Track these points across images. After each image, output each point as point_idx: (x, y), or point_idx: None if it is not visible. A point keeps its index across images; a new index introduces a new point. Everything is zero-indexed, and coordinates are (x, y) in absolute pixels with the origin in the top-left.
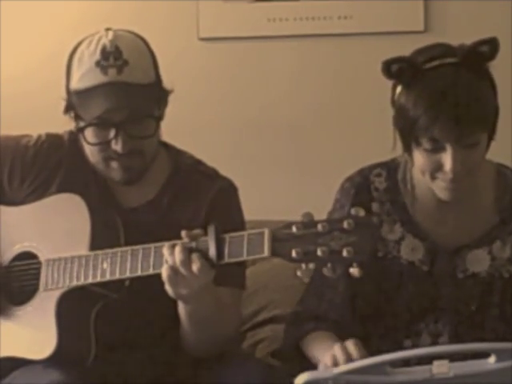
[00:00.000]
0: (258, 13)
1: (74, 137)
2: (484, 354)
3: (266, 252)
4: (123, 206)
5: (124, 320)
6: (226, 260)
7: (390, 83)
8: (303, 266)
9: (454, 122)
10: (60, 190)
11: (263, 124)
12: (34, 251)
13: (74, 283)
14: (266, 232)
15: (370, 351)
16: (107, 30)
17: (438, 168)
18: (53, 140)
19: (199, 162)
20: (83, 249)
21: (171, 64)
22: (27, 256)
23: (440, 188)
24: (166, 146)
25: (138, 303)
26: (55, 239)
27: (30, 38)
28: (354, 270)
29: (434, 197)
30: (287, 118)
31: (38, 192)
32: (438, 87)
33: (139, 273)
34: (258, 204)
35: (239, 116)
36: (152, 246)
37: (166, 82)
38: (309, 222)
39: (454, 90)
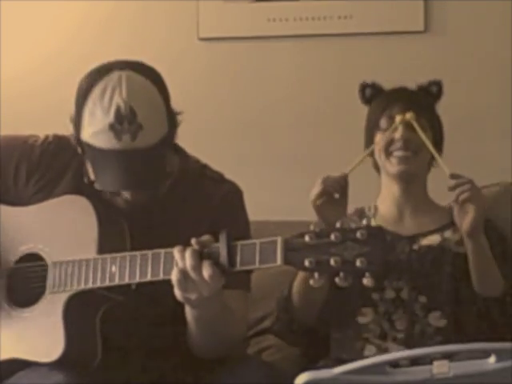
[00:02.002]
0: (258, 13)
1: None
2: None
3: (279, 261)
4: (129, 210)
5: (129, 322)
6: (238, 268)
7: (388, 83)
8: (316, 274)
9: (406, 104)
10: (66, 192)
11: (263, 124)
12: (40, 253)
13: (82, 286)
14: (279, 240)
15: (344, 306)
16: (120, 69)
17: (391, 142)
18: (60, 141)
19: (205, 167)
20: (91, 251)
21: (171, 64)
22: (33, 258)
23: (393, 164)
24: (175, 148)
25: (144, 306)
26: (61, 241)
27: (30, 38)
28: (367, 280)
29: (393, 210)
30: (287, 118)
31: (43, 192)
32: (396, 89)
33: (149, 278)
34: (260, 204)
35: (239, 116)
36: (162, 251)
37: (174, 102)
38: (322, 232)
39: (408, 90)
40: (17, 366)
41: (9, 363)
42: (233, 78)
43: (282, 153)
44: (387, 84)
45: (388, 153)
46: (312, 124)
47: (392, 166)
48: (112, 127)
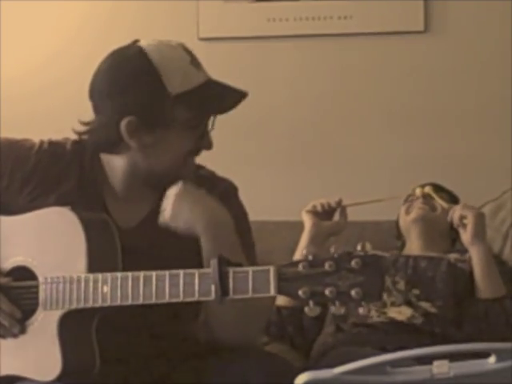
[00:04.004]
0: (258, 13)
1: (77, 147)
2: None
3: (273, 291)
4: (121, 227)
5: (123, 329)
6: (231, 296)
7: (388, 84)
8: (311, 303)
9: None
10: (57, 204)
11: (263, 123)
12: (29, 266)
13: (74, 306)
14: (272, 270)
15: None
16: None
17: (411, 205)
18: (55, 149)
19: (198, 167)
20: (80, 266)
21: None
22: (22, 271)
23: (412, 214)
24: None
25: (136, 310)
26: (50, 255)
27: (30, 38)
28: (363, 310)
29: None
30: (287, 118)
31: (37, 201)
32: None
33: (141, 301)
34: (259, 204)
35: (239, 116)
36: (153, 273)
37: None
38: (315, 260)
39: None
40: (14, 380)
41: (6, 379)
42: (233, 78)
43: (282, 153)
44: (387, 84)
45: (408, 212)
46: (312, 124)
47: (411, 216)
48: (192, 62)
